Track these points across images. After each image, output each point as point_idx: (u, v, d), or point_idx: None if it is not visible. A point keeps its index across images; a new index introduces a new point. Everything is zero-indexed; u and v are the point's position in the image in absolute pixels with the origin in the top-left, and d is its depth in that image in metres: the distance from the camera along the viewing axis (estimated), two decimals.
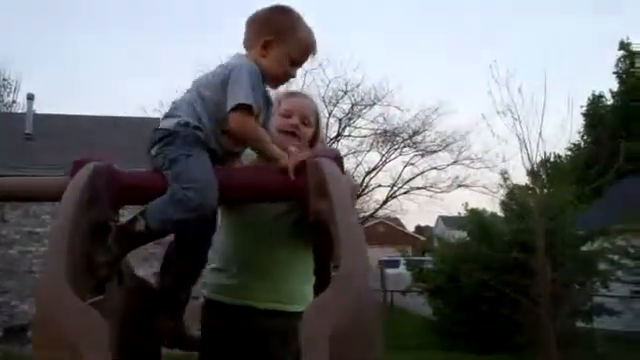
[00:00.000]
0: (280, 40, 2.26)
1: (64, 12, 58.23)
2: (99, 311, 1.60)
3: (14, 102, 36.44)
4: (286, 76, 2.32)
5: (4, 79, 36.75)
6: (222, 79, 2.18)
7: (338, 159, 2.11)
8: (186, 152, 2.11)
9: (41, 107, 21.81)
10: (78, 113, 19.86)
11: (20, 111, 27.84)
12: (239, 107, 2.10)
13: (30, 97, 18.62)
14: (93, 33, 57.47)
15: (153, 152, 2.18)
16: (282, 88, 2.51)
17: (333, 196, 1.81)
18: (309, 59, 2.39)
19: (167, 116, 2.24)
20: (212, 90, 2.20)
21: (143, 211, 2.08)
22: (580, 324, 15.18)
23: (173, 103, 2.29)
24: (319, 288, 2.30)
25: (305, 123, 2.59)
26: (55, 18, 58.71)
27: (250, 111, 2.12)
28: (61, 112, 20.75)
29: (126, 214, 2.14)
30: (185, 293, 2.32)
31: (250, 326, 2.50)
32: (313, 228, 2.11)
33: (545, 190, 14.26)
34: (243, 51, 2.35)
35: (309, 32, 2.33)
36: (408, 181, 29.71)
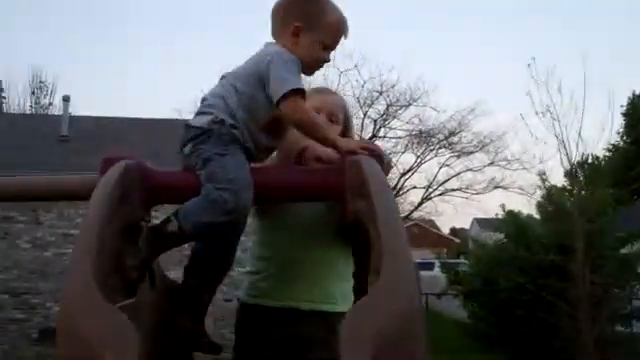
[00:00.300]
0: (310, 25, 2.17)
1: (98, 14, 58.92)
2: (130, 314, 1.54)
3: (50, 104, 37.06)
4: (320, 62, 2.22)
5: (41, 81, 37.43)
6: (257, 70, 2.10)
7: (379, 156, 2.02)
8: (221, 151, 2.03)
9: (77, 109, 22.11)
10: (113, 115, 20.06)
11: (56, 113, 28.23)
12: (292, 92, 2.02)
13: (66, 99, 18.87)
14: (128, 34, 58.06)
15: (186, 151, 2.11)
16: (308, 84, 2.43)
17: (374, 196, 1.73)
18: (342, 41, 2.27)
19: (200, 113, 2.15)
20: (247, 83, 2.11)
21: (176, 212, 2.01)
22: (619, 328, 14.95)
23: (204, 99, 2.20)
24: (358, 291, 2.23)
25: (333, 120, 2.45)
26: (89, 20, 59.45)
27: (303, 95, 2.05)
28: (96, 114, 20.99)
29: (159, 215, 2.08)
30: (208, 295, 2.25)
31: (289, 329, 2.41)
32: (351, 229, 2.03)
33: (583, 192, 14.05)
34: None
35: (339, 13, 2.23)
36: (443, 183, 29.68)
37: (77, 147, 15.89)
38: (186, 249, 2.17)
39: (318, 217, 2.42)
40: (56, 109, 33.93)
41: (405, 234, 1.66)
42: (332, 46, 2.22)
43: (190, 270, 2.20)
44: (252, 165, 2.12)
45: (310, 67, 2.20)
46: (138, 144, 14.47)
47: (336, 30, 2.21)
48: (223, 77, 2.23)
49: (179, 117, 23.88)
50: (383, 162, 2.03)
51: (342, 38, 2.24)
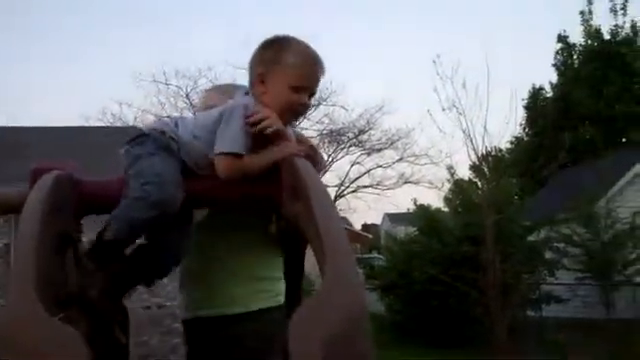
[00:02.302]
0: (272, 70, 2.12)
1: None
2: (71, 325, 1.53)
3: None
4: (293, 105, 2.12)
5: None
6: (214, 121, 2.09)
7: (313, 151, 2.07)
8: (152, 150, 2.05)
9: None
10: (17, 124, 19.41)
11: None
12: (223, 155, 2.02)
13: None
14: (29, 38, 56.16)
15: (122, 151, 2.12)
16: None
17: (312, 197, 1.76)
18: (317, 79, 2.17)
19: (148, 124, 2.19)
20: (204, 131, 2.11)
21: (107, 221, 2.01)
22: (530, 313, 15.49)
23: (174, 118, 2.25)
24: (291, 291, 2.27)
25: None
26: None
27: (236, 157, 2.02)
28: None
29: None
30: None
31: (205, 338, 2.44)
32: (283, 231, 2.07)
33: (489, 184, 14.47)
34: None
35: (302, 49, 2.16)
36: (355, 180, 30.00)
37: None
38: None
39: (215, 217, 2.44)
40: None
41: (344, 233, 1.69)
42: (302, 87, 2.13)
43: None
44: None
45: (284, 113, 2.11)
46: (45, 153, 14.04)
47: (299, 68, 2.12)
48: (181, 119, 2.22)
49: (86, 124, 23.39)
50: (318, 162, 2.07)
51: (314, 74, 2.16)
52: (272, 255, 2.46)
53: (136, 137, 2.13)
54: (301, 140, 2.28)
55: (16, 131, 17.58)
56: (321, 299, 1.46)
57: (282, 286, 2.44)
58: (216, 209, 2.39)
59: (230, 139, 2.02)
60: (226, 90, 2.60)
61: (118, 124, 24.44)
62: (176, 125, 2.14)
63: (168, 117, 2.31)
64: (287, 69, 2.11)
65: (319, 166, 2.12)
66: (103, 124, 24.94)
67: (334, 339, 1.39)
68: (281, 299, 2.40)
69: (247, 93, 2.18)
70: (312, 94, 2.17)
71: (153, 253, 2.17)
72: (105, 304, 2.11)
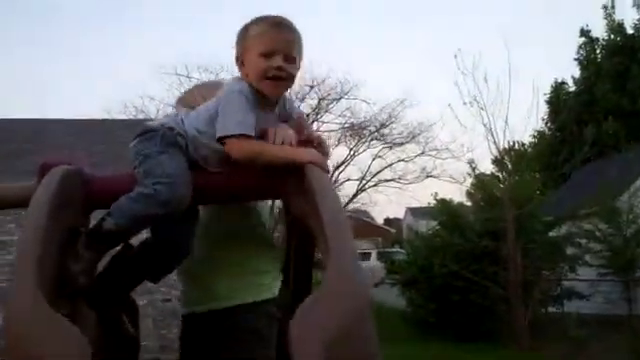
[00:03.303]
0: (243, 48, 2.17)
1: (17, 12, 57.25)
2: (74, 321, 1.53)
3: None
4: (268, 71, 2.12)
5: None
6: (211, 113, 2.11)
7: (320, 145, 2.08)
8: (161, 149, 2.06)
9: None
10: (40, 117, 19.51)
11: None
12: (234, 138, 2.02)
13: None
14: (50, 32, 56.62)
15: (131, 146, 2.13)
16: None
17: (317, 194, 1.75)
18: (285, 41, 2.16)
19: (155, 121, 2.20)
20: (207, 124, 2.12)
21: (109, 211, 2.01)
22: (551, 309, 15.38)
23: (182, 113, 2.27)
24: (300, 286, 2.26)
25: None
26: (6, 20, 57.75)
27: (245, 137, 2.03)
28: (21, 116, 20.41)
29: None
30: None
31: (200, 333, 2.46)
32: (290, 227, 2.06)
33: (511, 178, 14.39)
34: None
35: (262, 20, 2.18)
36: (376, 174, 29.90)
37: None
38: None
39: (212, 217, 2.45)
40: None
41: (349, 232, 1.68)
42: (270, 51, 2.13)
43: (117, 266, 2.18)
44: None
45: (264, 82, 2.13)
46: (66, 146, 14.14)
47: (262, 35, 2.15)
48: (185, 114, 2.23)
49: (108, 117, 23.51)
50: (327, 158, 2.08)
51: (279, 36, 2.16)
52: (264, 249, 2.47)
53: (144, 132, 2.14)
54: (304, 127, 2.28)
55: (38, 124, 17.71)
56: (321, 301, 1.45)
57: (276, 279, 2.44)
58: (209, 206, 2.40)
59: (234, 122, 2.04)
60: (212, 87, 2.61)
61: (140, 117, 24.54)
62: (182, 121, 2.16)
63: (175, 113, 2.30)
64: (253, 40, 2.15)
65: (325, 157, 2.11)
66: (125, 117, 25.03)
67: (336, 339, 1.38)
68: (275, 291, 2.40)
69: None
70: (289, 58, 2.16)
71: (159, 249, 2.17)
72: (111, 297, 2.12)
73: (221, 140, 2.04)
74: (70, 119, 18.91)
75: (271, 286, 2.42)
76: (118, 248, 2.12)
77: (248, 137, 2.03)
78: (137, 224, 2.02)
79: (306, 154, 2.03)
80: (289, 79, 2.16)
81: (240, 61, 2.19)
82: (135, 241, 2.14)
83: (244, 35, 2.18)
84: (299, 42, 2.20)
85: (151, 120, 2.23)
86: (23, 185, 2.08)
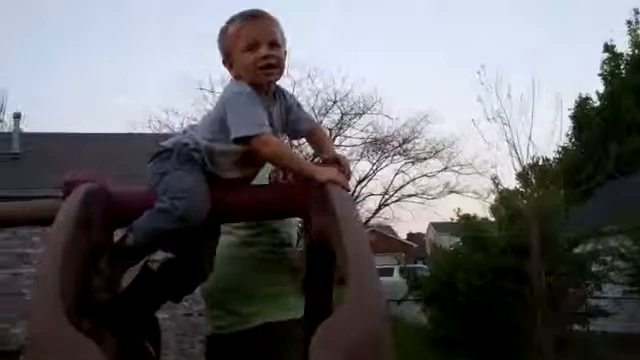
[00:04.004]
0: (227, 51, 2.19)
1: (48, 29, 58.12)
2: (95, 339, 1.54)
3: (0, 121, 36.20)
4: (255, 63, 2.12)
5: None
6: (220, 116, 2.12)
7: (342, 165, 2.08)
8: (178, 166, 2.09)
9: (28, 126, 21.73)
10: (66, 131, 19.75)
11: (6, 130, 27.66)
12: (253, 137, 2.03)
13: (16, 116, 18.57)
14: (78, 49, 57.31)
15: (149, 167, 2.17)
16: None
17: (338, 212, 1.75)
18: (264, 28, 2.16)
19: (173, 138, 2.23)
20: (213, 130, 2.14)
21: (131, 226, 2.04)
22: (576, 327, 15.20)
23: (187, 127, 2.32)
24: (320, 301, 2.25)
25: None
26: (39, 35, 58.59)
27: (266, 134, 2.04)
28: (48, 130, 20.67)
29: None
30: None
31: (224, 353, 2.55)
32: (310, 245, 2.07)
33: (535, 194, 14.28)
34: None
35: (236, 17, 2.19)
36: (399, 189, 29.91)
37: (29, 164, 15.63)
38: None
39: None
40: (6, 127, 33.22)
41: (370, 251, 1.68)
42: (251, 43, 2.13)
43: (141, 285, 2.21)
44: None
45: (256, 74, 2.13)
46: (92, 160, 14.27)
47: (239, 30, 2.16)
48: (191, 128, 2.28)
49: (133, 131, 23.69)
50: (349, 178, 2.08)
51: (256, 26, 2.16)
52: (288, 270, 2.53)
53: (160, 153, 2.16)
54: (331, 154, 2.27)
55: (63, 138, 17.90)
56: (341, 321, 1.45)
57: (300, 300, 2.44)
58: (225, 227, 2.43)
59: (252, 122, 2.04)
60: None
61: (164, 131, 24.71)
62: (192, 135, 2.18)
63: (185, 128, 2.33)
64: (233, 38, 2.16)
65: (347, 175, 2.12)
66: (150, 131, 25.23)
67: (356, 358, 1.37)
68: (300, 312, 2.40)
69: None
70: (273, 44, 2.16)
71: (180, 268, 2.19)
72: (133, 317, 2.14)
73: (240, 141, 2.04)
74: (94, 133, 19.14)
75: (295, 307, 2.44)
76: (139, 267, 2.14)
77: (269, 135, 2.04)
78: (156, 240, 2.05)
79: (326, 173, 2.02)
80: (279, 64, 2.17)
81: (228, 64, 2.20)
82: (156, 260, 2.16)
83: (224, 37, 2.20)
84: (278, 26, 2.21)
85: (173, 135, 2.26)
86: (49, 202, 2.11)
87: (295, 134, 2.36)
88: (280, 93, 2.26)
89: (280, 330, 2.42)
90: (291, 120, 2.26)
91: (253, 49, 2.12)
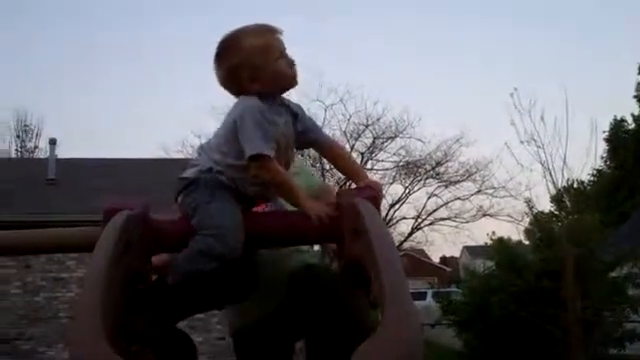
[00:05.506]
0: (257, 65, 2.17)
1: (79, 55, 59.05)
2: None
3: (36, 147, 36.81)
4: (291, 67, 2.22)
5: (25, 125, 37.15)
6: (231, 129, 2.14)
7: (374, 198, 2.09)
8: (207, 199, 2.08)
9: (63, 152, 22.07)
10: (100, 156, 20.01)
11: (42, 156, 28.10)
12: (254, 157, 2.06)
13: (52, 142, 18.87)
14: (111, 73, 58.10)
15: (179, 201, 2.17)
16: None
17: (372, 238, 1.77)
18: (279, 39, 2.22)
19: (190, 166, 2.22)
20: (226, 147, 2.16)
21: (172, 265, 2.08)
22: (612, 351, 14.94)
23: (198, 149, 2.31)
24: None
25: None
26: (73, 62, 59.58)
27: (265, 158, 2.06)
28: (83, 156, 20.95)
29: None
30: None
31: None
32: (344, 271, 2.09)
33: (570, 217, 14.14)
34: None
35: (256, 32, 2.21)
36: (432, 212, 29.74)
37: (64, 190, 15.85)
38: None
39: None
40: (42, 152, 33.77)
41: (404, 276, 1.69)
42: (281, 51, 2.20)
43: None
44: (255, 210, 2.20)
45: (292, 78, 2.22)
46: (126, 185, 14.43)
47: (268, 40, 2.20)
48: (201, 148, 2.29)
49: (166, 155, 23.90)
50: (379, 202, 2.09)
51: (277, 36, 2.22)
52: None
53: (186, 186, 2.16)
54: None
55: (97, 163, 18.12)
56: (376, 348, 1.46)
57: None
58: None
59: (257, 142, 2.06)
60: None
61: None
62: (211, 157, 2.17)
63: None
64: (265, 50, 2.17)
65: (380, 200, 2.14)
66: (182, 156, 25.44)
67: None
68: None
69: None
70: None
71: (217, 294, 2.21)
72: (169, 341, 2.16)
73: (249, 160, 2.07)
74: (127, 158, 19.36)
75: None
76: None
77: (266, 159, 2.06)
78: (195, 280, 2.07)
79: (317, 207, 2.09)
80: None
81: (250, 79, 2.17)
82: None
83: (250, 54, 2.16)
84: None
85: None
86: (88, 229, 2.15)
87: (304, 142, 2.34)
88: (296, 108, 2.30)
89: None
90: (300, 128, 2.27)
91: (283, 57, 2.19)
